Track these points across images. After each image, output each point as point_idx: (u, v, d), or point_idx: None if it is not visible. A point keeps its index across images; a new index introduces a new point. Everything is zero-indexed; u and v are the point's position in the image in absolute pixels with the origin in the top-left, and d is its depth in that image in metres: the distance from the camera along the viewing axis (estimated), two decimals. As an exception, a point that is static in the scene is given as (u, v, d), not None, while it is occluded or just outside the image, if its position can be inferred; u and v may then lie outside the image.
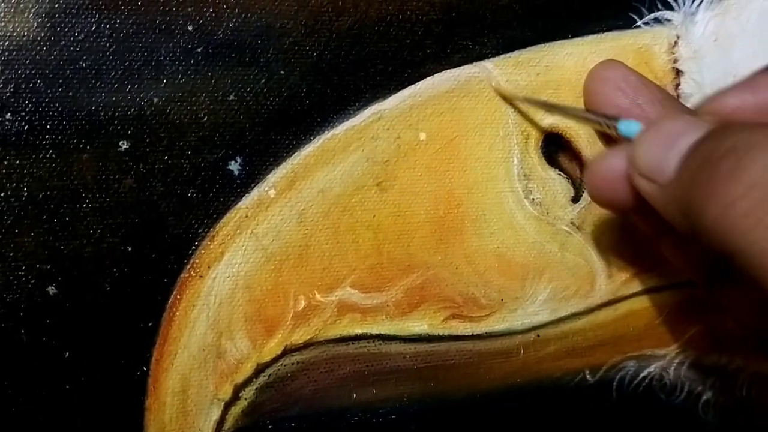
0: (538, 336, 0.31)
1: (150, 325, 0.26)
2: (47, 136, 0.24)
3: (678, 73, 0.31)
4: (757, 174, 0.20)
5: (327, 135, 0.27)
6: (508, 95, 0.29)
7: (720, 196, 0.21)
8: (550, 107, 0.29)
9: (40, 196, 0.24)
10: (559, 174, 0.30)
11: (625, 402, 0.32)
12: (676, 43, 0.31)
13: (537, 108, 0.29)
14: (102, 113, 0.25)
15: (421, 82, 0.28)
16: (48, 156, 0.24)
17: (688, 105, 0.30)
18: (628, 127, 0.26)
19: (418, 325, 0.29)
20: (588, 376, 0.32)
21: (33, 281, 0.24)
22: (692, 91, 0.31)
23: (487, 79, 0.29)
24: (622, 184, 0.26)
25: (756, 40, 0.31)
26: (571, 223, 0.31)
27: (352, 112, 0.28)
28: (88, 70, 0.24)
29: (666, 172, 0.23)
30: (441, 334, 0.29)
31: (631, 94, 0.28)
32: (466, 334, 0.30)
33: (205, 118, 0.26)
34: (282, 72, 0.27)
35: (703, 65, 0.31)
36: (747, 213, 0.20)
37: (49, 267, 0.24)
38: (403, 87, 0.28)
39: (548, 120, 0.30)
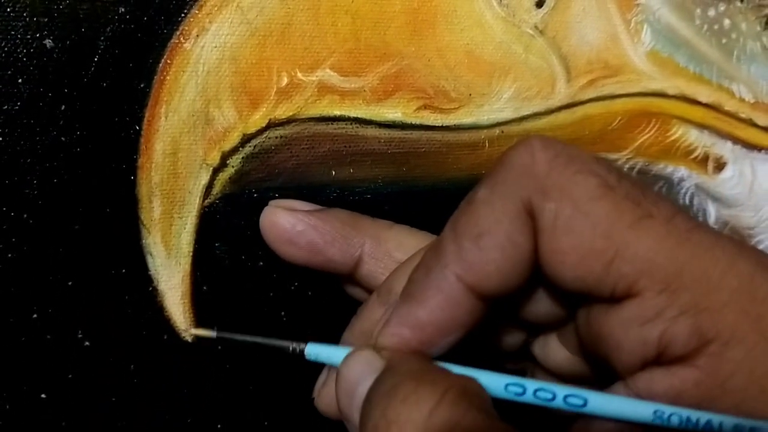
0: (502, 132, 0.33)
1: (142, 86, 0.27)
2: None
3: None
4: None
5: None
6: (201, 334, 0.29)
7: None
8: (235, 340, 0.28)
9: (36, -51, 0.25)
10: (525, -23, 0.32)
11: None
12: None
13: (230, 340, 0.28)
14: None
15: None
16: None
17: None
18: (317, 352, 0.24)
19: (392, 112, 0.31)
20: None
21: (30, 32, 0.25)
22: None
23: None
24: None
25: None
26: (535, 26, 0.33)
27: None
28: None
29: (354, 427, 0.21)
30: (413, 122, 0.32)
31: (305, 245, 0.27)
32: (436, 124, 0.32)
33: None
34: None
35: None
36: None
37: (45, 20, 0.25)
38: None
39: (516, -77, 0.32)
